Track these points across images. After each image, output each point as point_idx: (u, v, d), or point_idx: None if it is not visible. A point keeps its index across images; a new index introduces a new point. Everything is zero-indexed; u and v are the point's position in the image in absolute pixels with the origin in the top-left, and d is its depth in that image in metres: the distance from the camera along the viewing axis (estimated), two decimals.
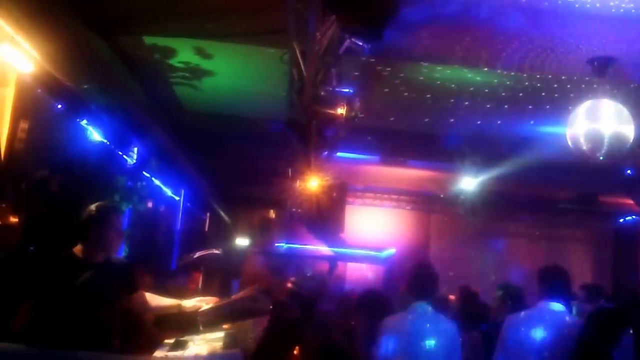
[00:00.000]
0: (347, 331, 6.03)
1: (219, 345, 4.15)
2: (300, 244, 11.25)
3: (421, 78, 6.13)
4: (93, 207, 4.08)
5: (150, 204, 7.62)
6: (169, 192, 9.20)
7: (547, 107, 6.60)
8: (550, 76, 5.82)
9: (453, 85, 6.27)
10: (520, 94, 6.36)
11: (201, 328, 4.35)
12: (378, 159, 10.15)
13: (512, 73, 5.84)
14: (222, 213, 12.15)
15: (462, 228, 12.89)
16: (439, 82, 6.18)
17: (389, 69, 5.94)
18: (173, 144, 7.66)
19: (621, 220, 12.81)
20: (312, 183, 6.32)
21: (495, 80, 6.08)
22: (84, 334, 3.79)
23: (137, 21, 4.83)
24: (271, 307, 4.17)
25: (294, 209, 7.60)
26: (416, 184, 11.48)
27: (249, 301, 4.35)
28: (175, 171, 8.61)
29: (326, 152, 6.12)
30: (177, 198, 9.95)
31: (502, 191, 10.98)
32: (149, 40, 5.27)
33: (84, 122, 5.75)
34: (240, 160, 9.39)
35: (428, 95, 6.60)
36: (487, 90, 6.33)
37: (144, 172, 7.43)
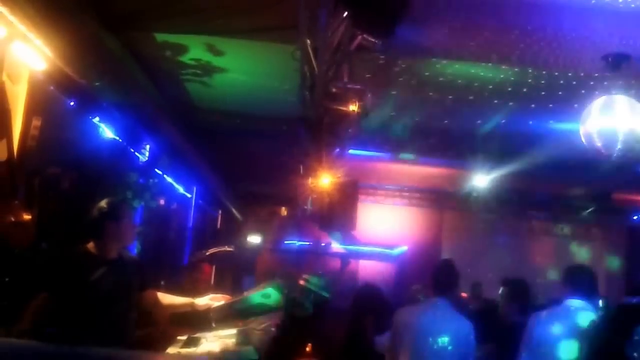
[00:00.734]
0: (359, 327, 6.03)
1: (231, 342, 4.16)
2: (312, 242, 11.24)
3: (434, 74, 6.09)
4: (103, 202, 4.06)
5: (162, 201, 7.63)
6: (181, 189, 9.21)
7: (561, 103, 6.55)
8: (569, 73, 5.78)
9: (465, 82, 6.23)
10: (533, 91, 6.32)
11: (214, 325, 4.35)
12: (390, 156, 10.13)
13: (529, 70, 5.80)
14: (234, 210, 12.15)
15: (475, 225, 12.86)
16: (451, 79, 6.14)
17: (401, 65, 5.90)
18: (184, 141, 7.66)
19: (635, 217, 12.73)
20: (324, 180, 6.31)
21: (507, 77, 6.03)
22: (98, 330, 3.81)
23: (148, 18, 4.81)
24: (284, 304, 4.17)
25: (305, 207, 7.60)
26: (428, 181, 11.45)
27: (262, 298, 4.35)
28: (187, 168, 8.61)
29: (338, 149, 6.10)
30: (189, 195, 9.97)
31: (515, 188, 10.94)
32: (160, 37, 5.27)
33: (95, 119, 5.76)
34: (252, 157, 9.38)
35: (441, 92, 6.56)
36: (499, 87, 6.28)
37: (156, 170, 7.44)
